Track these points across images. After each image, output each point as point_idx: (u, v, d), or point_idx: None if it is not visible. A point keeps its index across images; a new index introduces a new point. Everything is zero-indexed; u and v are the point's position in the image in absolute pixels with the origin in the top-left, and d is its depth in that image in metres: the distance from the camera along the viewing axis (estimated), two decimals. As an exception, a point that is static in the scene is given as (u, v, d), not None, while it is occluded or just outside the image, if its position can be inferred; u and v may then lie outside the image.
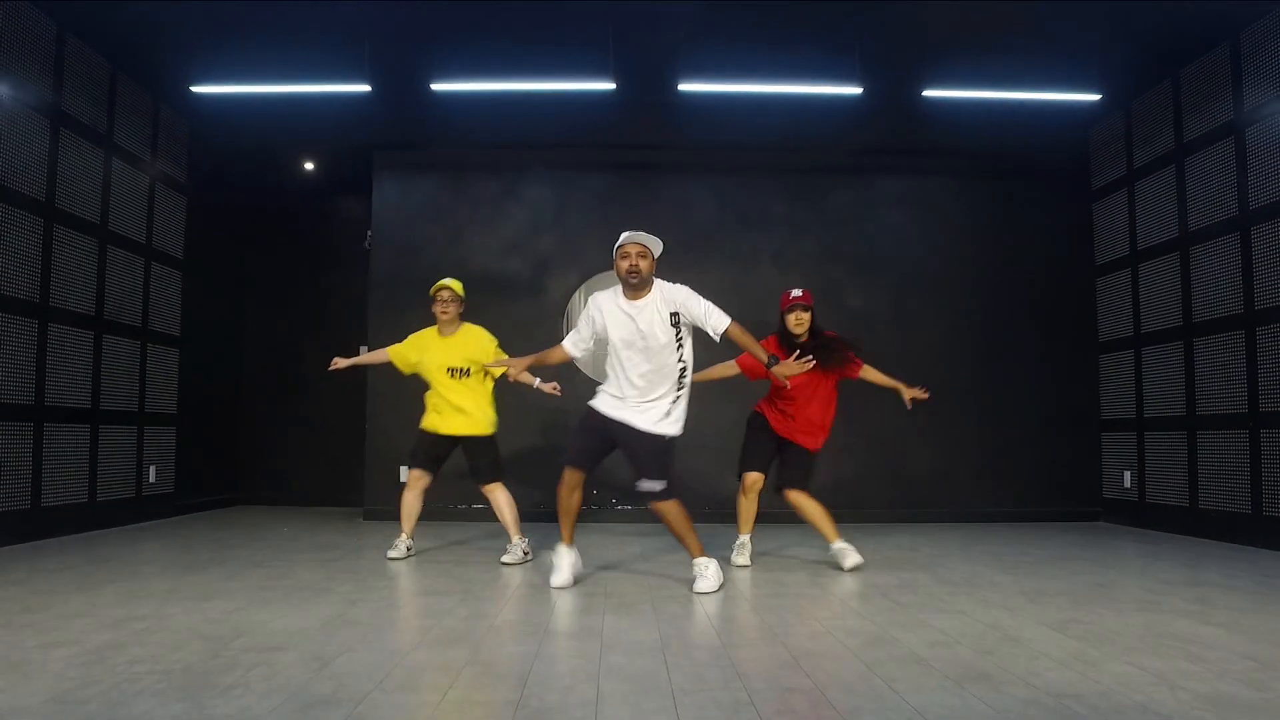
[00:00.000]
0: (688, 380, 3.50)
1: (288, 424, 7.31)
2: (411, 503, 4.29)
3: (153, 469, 5.90)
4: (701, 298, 3.50)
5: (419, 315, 6.17)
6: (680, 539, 3.50)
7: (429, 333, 4.47)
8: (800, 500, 4.04)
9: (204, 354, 6.67)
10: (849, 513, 6.04)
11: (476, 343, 4.31)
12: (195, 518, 6.21)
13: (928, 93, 5.52)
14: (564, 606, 3.12)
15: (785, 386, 3.78)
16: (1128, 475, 5.95)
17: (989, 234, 6.46)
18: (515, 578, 3.74)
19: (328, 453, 7.20)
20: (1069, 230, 6.49)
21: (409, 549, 4.29)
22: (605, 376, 3.59)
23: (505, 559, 4.14)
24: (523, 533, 4.29)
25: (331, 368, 4.52)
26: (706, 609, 3.08)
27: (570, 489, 3.52)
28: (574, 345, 3.66)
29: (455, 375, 4.26)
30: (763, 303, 6.20)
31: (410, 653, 2.42)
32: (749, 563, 4.13)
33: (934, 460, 6.21)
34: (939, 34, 5.13)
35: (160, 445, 6.03)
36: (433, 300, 4.34)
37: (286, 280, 7.44)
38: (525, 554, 4.20)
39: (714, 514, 5.87)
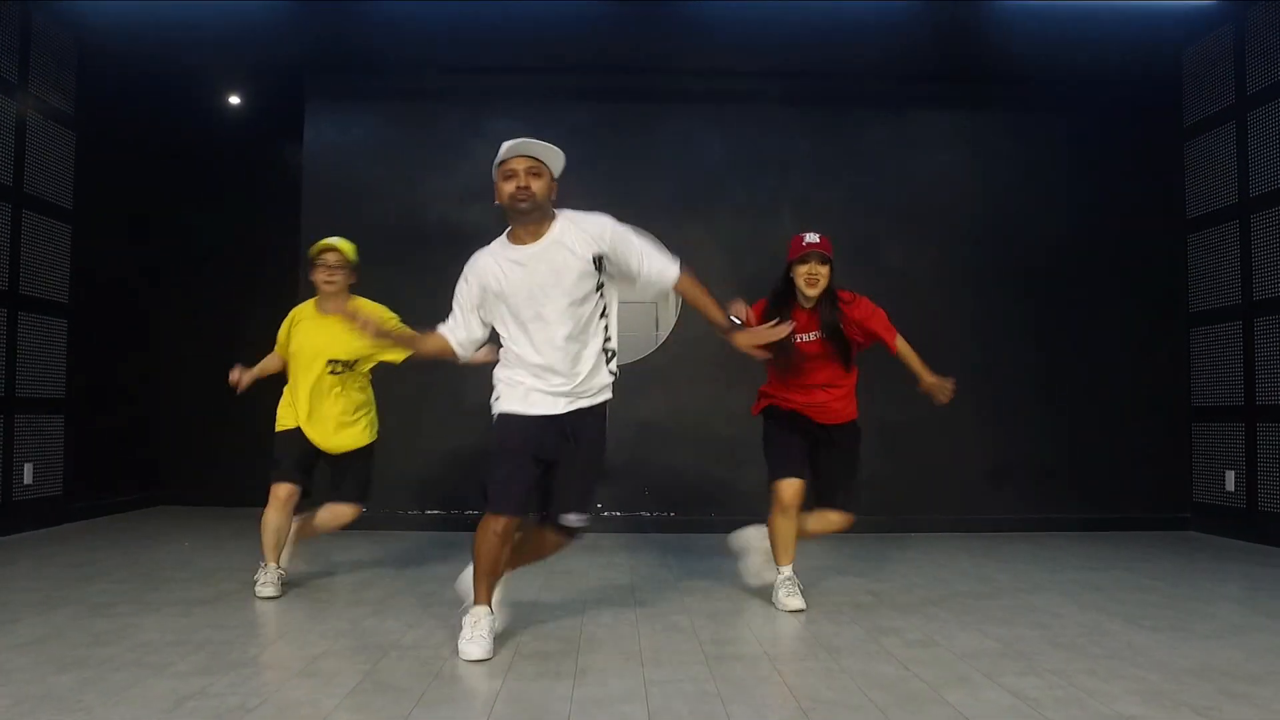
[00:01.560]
0: (613, 358, 2.57)
1: (216, 410, 6.15)
2: (278, 523, 3.19)
3: (28, 467, 4.76)
4: (636, 234, 2.52)
5: (363, 276, 5.05)
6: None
7: (306, 308, 3.37)
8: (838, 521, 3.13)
9: (104, 327, 5.51)
10: (885, 519, 4.94)
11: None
12: (89, 525, 5.09)
13: (997, -6, 4.34)
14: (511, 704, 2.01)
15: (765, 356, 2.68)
16: (1231, 475, 4.85)
17: (1054, 180, 5.32)
18: (440, 636, 2.62)
19: (260, 445, 6.05)
20: (1154, 175, 5.35)
21: (282, 580, 3.20)
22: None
23: (263, 589, 3.13)
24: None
25: (234, 383, 3.46)
26: (730, 711, 1.97)
27: (502, 541, 2.44)
28: (450, 331, 2.58)
29: (337, 370, 3.26)
30: (782, 259, 5.03)
31: None
32: (804, 604, 2.98)
33: (988, 455, 5.13)
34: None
35: (41, 438, 4.88)
36: (313, 265, 3.26)
37: (209, 238, 6.26)
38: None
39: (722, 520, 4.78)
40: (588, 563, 3.92)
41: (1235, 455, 4.85)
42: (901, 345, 3.11)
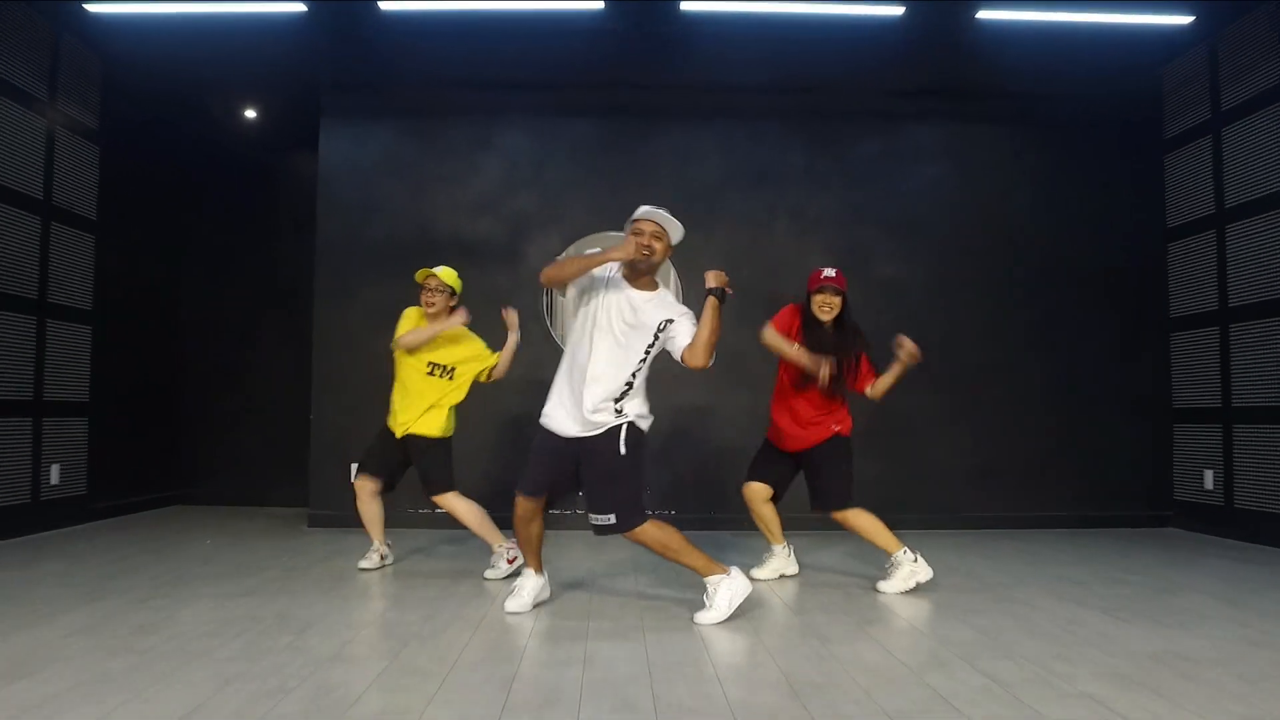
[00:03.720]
0: (632, 400, 2.89)
1: (234, 412, 6.35)
2: (371, 508, 3.78)
3: (55, 468, 4.93)
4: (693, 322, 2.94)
5: (375, 287, 5.21)
6: (680, 562, 2.94)
7: (416, 313, 3.77)
8: (850, 519, 3.39)
9: (127, 333, 5.68)
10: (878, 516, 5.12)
11: (469, 344, 3.77)
12: (114, 523, 5.25)
13: (983, 14, 4.51)
14: (526, 688, 2.17)
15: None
16: (1209, 474, 5.02)
17: (1039, 192, 5.48)
18: (458, 626, 2.79)
19: (277, 445, 6.23)
20: (1135, 188, 5.51)
21: (383, 558, 3.86)
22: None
23: (488, 574, 3.63)
24: (506, 537, 3.66)
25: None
26: (729, 693, 2.13)
27: (526, 520, 2.99)
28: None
29: (435, 373, 3.69)
30: (778, 269, 5.24)
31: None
32: (769, 577, 3.59)
33: (976, 455, 5.28)
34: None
35: (67, 440, 5.05)
36: (421, 288, 3.72)
37: (228, 248, 6.43)
38: (511, 562, 3.64)
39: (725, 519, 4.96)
40: (593, 559, 4.09)
41: (1214, 455, 5.02)
42: (877, 385, 3.48)
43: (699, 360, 2.83)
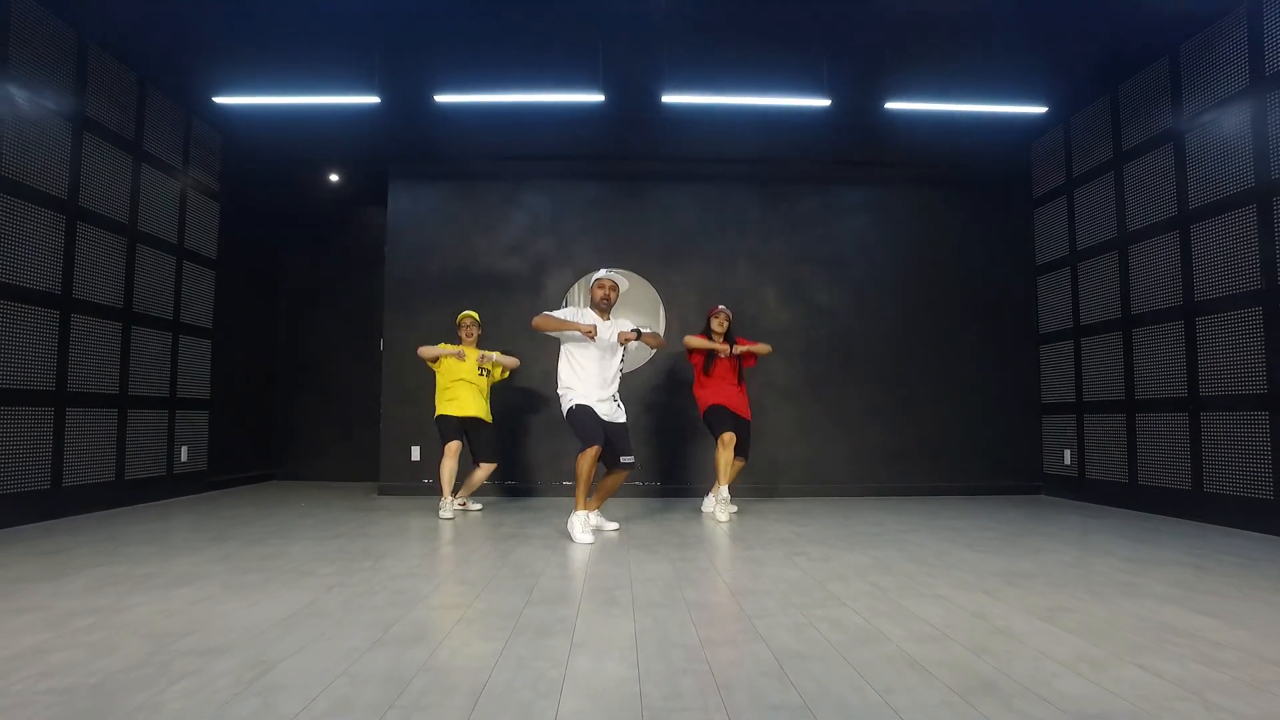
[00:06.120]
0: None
1: (317, 409, 6.68)
2: (452, 467, 4.33)
3: (184, 449, 5.26)
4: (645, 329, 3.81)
5: (431, 312, 5.57)
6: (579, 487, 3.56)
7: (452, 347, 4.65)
8: (740, 463, 4.38)
9: (237, 345, 6.03)
10: (817, 487, 5.45)
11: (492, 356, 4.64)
12: (227, 493, 5.58)
13: (890, 105, 4.89)
14: (541, 593, 2.51)
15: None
16: (1068, 453, 5.35)
17: (941, 237, 5.84)
18: (494, 557, 3.13)
19: (351, 434, 6.57)
20: (1013, 234, 5.88)
21: (456, 509, 4.48)
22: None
23: (444, 513, 4.27)
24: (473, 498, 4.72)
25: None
26: (686, 595, 2.47)
27: (593, 461, 3.54)
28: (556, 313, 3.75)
29: (483, 372, 4.55)
30: (738, 296, 5.59)
31: (362, 656, 1.81)
32: (728, 518, 4.21)
33: (893, 439, 5.61)
34: (901, 52, 4.51)
35: (193, 427, 5.39)
36: (459, 326, 4.64)
37: (314, 281, 6.79)
38: (461, 506, 4.57)
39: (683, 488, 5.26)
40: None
41: (1071, 438, 5.35)
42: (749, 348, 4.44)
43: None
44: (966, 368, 5.71)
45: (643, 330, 3.72)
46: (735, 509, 4.37)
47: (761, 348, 4.45)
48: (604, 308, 3.71)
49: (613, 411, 3.64)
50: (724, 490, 4.25)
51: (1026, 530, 3.92)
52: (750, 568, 2.91)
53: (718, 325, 4.40)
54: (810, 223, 5.79)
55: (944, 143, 5.62)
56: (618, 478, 3.71)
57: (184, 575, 2.66)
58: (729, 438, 4.24)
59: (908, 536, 3.69)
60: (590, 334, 3.55)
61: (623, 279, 3.77)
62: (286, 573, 2.72)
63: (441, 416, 4.43)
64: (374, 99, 4.78)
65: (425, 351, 4.49)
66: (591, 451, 3.48)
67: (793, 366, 5.57)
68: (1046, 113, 5.14)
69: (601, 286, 3.71)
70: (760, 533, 3.80)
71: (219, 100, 4.82)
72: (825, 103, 4.73)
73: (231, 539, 3.48)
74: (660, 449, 5.50)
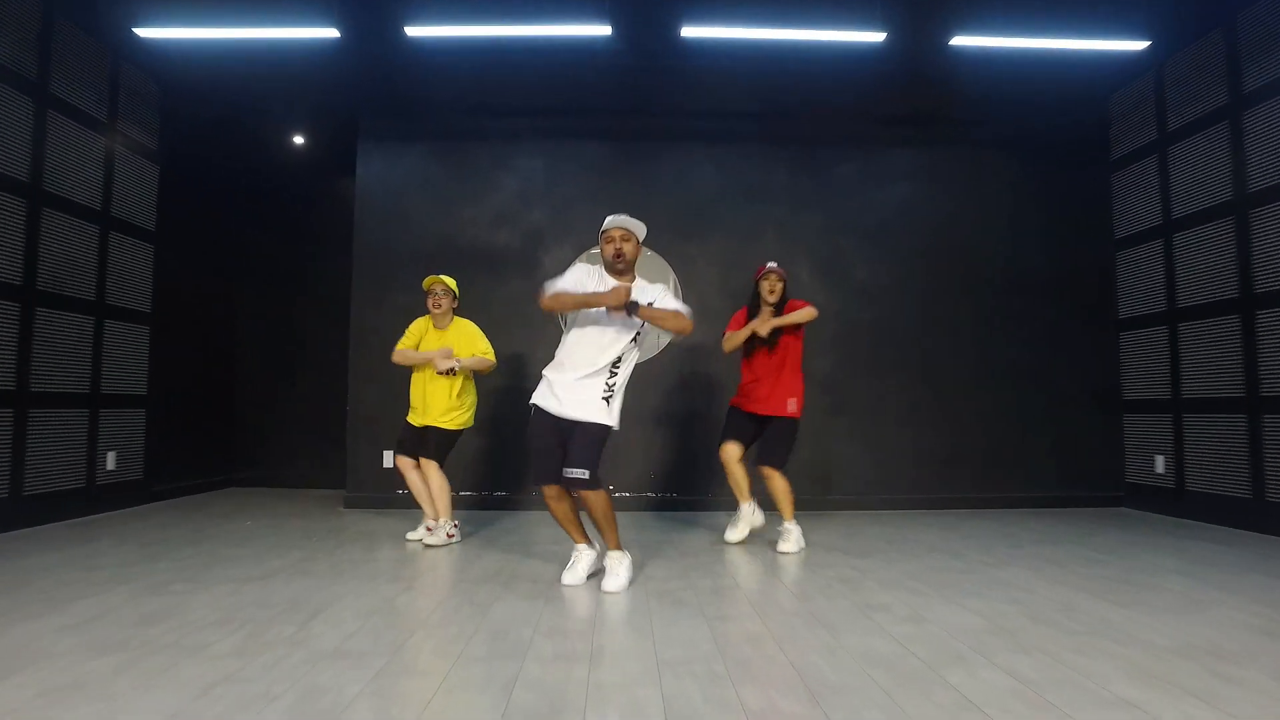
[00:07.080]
0: (620, 375, 2.68)
1: (282, 405, 5.85)
2: (415, 482, 3.51)
3: (111, 455, 4.43)
4: (674, 299, 2.71)
5: (406, 293, 4.73)
6: (600, 529, 2.68)
7: (424, 323, 3.59)
8: (769, 474, 3.35)
9: (184, 333, 5.19)
10: (851, 500, 4.63)
11: (469, 340, 3.52)
12: (170, 505, 4.76)
13: (956, 40, 4.02)
14: (525, 685, 1.68)
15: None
16: (1160, 460, 4.52)
17: (998, 207, 4.99)
18: (466, 614, 2.29)
19: (318, 434, 5.74)
20: (1084, 203, 5.03)
21: (419, 539, 3.54)
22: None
23: (429, 540, 3.42)
24: (452, 516, 3.53)
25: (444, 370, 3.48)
26: (742, 696, 1.64)
27: (556, 500, 2.69)
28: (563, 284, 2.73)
29: (445, 371, 3.44)
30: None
31: None
32: (740, 537, 3.47)
33: (942, 442, 4.78)
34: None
35: (124, 429, 4.56)
36: (427, 294, 3.54)
37: (277, 258, 5.94)
38: (450, 536, 3.46)
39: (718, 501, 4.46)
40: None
41: (1164, 442, 4.53)
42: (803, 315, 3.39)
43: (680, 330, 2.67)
44: (1028, 358, 4.88)
45: (654, 304, 2.64)
46: (755, 526, 3.49)
47: (801, 315, 3.35)
48: (619, 268, 2.69)
49: (573, 397, 2.60)
50: (744, 507, 3.48)
51: (1145, 564, 3.10)
52: (818, 635, 2.09)
53: (768, 290, 3.41)
54: (846, 190, 4.95)
55: (1005, 93, 4.77)
56: (578, 501, 2.71)
57: (21, 654, 1.84)
58: (727, 452, 3.40)
59: (1000, 573, 2.88)
60: (619, 303, 2.56)
61: (636, 224, 2.73)
62: (162, 651, 1.90)
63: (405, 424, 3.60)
64: (332, 32, 3.93)
65: (402, 358, 3.51)
66: (546, 494, 2.65)
67: (826, 355, 4.74)
68: (1143, 50, 4.28)
69: (610, 240, 2.69)
70: (809, 567, 2.99)
71: (141, 33, 3.95)
72: (879, 37, 3.87)
73: (127, 581, 2.66)
74: (678, 457, 4.68)
